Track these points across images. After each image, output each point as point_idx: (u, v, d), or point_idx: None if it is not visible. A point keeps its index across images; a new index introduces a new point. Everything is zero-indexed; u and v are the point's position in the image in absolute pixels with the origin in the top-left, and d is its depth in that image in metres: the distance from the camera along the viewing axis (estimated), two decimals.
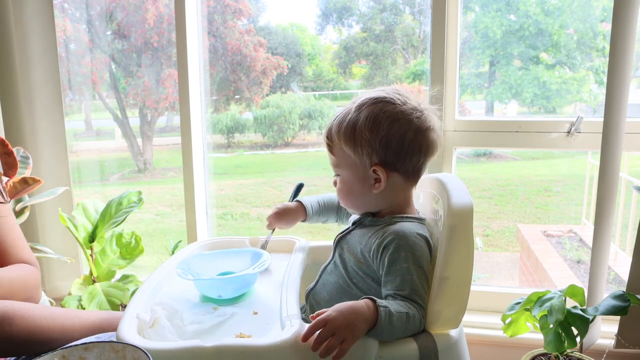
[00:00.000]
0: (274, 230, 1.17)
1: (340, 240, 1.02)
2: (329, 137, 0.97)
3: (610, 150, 1.18)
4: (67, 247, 1.74)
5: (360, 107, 0.93)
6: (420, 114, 0.93)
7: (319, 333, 0.75)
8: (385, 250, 0.88)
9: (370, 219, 0.99)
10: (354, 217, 1.04)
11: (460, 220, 0.83)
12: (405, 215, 0.96)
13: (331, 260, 1.02)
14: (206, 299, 0.97)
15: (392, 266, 0.86)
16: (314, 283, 1.03)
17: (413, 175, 0.95)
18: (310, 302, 1.01)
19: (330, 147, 0.98)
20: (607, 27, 2.61)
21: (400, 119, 0.91)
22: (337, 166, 0.98)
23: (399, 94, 0.94)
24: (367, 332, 0.78)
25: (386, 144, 0.91)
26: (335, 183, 1.01)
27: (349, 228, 1.02)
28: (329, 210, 1.16)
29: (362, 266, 0.93)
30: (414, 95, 0.96)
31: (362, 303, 0.79)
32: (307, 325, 0.80)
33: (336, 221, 1.17)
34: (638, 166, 3.12)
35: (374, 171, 0.92)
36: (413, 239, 0.88)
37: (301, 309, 0.95)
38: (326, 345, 0.74)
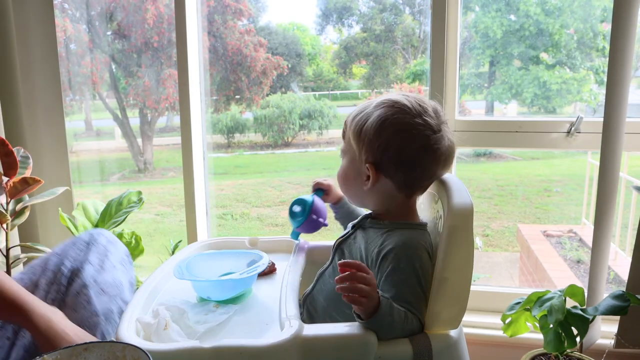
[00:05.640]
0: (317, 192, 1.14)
1: (340, 244, 1.00)
2: (345, 123, 0.98)
3: (610, 150, 1.18)
4: None
5: (378, 105, 0.92)
6: (431, 132, 0.89)
7: (359, 273, 0.78)
8: (384, 259, 0.86)
9: (370, 220, 0.98)
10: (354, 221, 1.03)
11: (460, 221, 0.82)
12: (406, 222, 0.94)
13: (329, 264, 1.00)
14: (204, 299, 0.97)
15: (390, 276, 0.84)
16: (310, 287, 1.01)
17: (406, 187, 0.93)
18: (307, 307, 0.99)
19: (344, 132, 0.99)
20: (607, 27, 2.61)
21: (407, 130, 0.89)
22: (342, 151, 0.99)
23: (420, 105, 0.91)
24: (370, 318, 0.78)
25: (384, 149, 0.90)
26: None
27: (348, 232, 1.00)
28: (350, 212, 1.13)
29: None
30: (441, 113, 0.93)
31: None
32: (306, 326, 0.80)
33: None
34: (638, 166, 3.12)
35: (367, 168, 0.92)
36: (413, 250, 0.86)
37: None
38: (356, 287, 0.77)
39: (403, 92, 0.95)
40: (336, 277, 0.79)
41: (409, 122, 0.89)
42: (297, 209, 1.10)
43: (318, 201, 1.11)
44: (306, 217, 1.08)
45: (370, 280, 0.78)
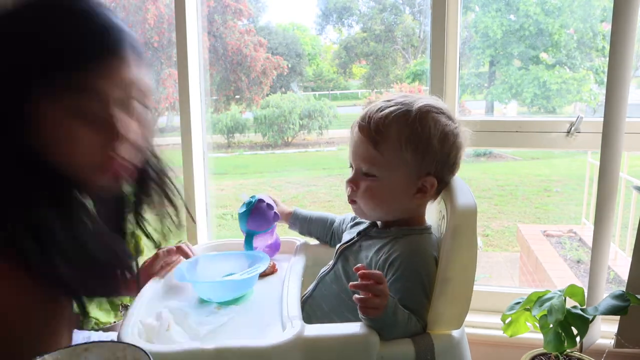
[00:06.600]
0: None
1: (344, 250, 0.98)
2: (380, 132, 0.87)
3: (610, 150, 1.18)
4: None
5: (425, 113, 0.87)
6: (461, 131, 0.92)
7: (377, 285, 0.76)
8: (390, 266, 0.85)
9: (376, 229, 0.96)
10: (358, 227, 1.00)
11: (464, 221, 0.82)
12: (413, 227, 0.93)
13: (331, 269, 0.98)
14: (205, 300, 0.97)
15: (395, 283, 0.84)
16: (310, 290, 1.00)
17: (439, 193, 0.93)
18: (307, 310, 0.97)
19: (377, 143, 0.87)
20: (607, 27, 2.61)
21: (459, 136, 0.91)
22: (377, 165, 0.88)
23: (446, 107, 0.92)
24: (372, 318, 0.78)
25: (447, 157, 0.90)
26: (354, 183, 0.92)
27: (353, 238, 0.98)
28: (318, 223, 1.12)
29: None
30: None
31: None
32: (308, 326, 0.80)
33: (326, 242, 1.13)
34: (638, 166, 3.13)
35: (424, 181, 0.89)
36: (420, 257, 0.86)
37: None
38: (369, 300, 0.76)
39: (431, 96, 0.93)
40: (351, 284, 0.78)
41: (455, 127, 0.91)
42: (242, 209, 1.10)
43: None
44: (253, 205, 1.08)
45: (385, 292, 0.77)
